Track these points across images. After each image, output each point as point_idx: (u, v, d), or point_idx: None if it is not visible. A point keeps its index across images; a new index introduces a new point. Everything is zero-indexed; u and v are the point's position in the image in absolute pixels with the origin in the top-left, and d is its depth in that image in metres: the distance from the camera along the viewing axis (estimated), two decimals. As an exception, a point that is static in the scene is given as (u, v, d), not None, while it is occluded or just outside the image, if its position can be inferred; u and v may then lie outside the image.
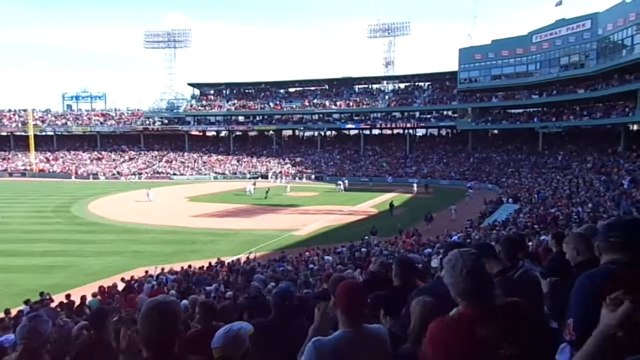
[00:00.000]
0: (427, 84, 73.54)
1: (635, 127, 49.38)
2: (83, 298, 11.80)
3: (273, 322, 3.34)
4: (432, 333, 2.08)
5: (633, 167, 35.16)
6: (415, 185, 49.64)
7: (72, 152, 76.18)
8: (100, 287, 14.11)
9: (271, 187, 49.83)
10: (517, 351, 1.95)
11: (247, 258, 20.28)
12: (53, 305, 11.84)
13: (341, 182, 51.97)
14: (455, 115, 66.91)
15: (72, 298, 12.20)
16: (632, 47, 42.46)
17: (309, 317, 2.99)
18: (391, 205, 36.07)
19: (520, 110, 61.48)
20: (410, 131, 72.06)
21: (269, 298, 5.19)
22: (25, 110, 76.90)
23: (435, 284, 3.38)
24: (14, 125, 77.47)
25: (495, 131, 66.73)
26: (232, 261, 19.77)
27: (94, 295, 12.17)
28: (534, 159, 53.23)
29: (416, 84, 74.82)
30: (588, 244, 3.45)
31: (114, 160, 73.95)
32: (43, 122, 78.11)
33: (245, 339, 2.58)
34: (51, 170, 69.35)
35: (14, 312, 10.89)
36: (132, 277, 16.23)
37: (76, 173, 67.43)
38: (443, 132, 74.10)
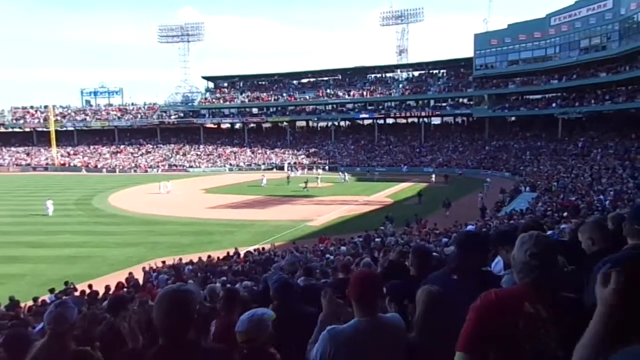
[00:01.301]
0: (441, 71, 72.63)
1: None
2: (107, 288, 12.08)
3: (276, 312, 3.37)
4: (479, 303, 2.06)
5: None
6: (434, 175, 48.64)
7: (92, 147, 77.53)
8: (119, 283, 14.52)
9: (292, 178, 49.95)
10: (562, 351, 1.88)
11: (270, 247, 20.39)
12: (76, 294, 12.14)
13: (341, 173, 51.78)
14: (471, 102, 65.99)
15: (94, 288, 12.53)
16: (656, 28, 41.19)
17: (321, 305, 3.01)
18: (420, 194, 36.12)
19: (539, 96, 60.30)
20: (425, 120, 71.41)
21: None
22: (46, 107, 78.55)
23: (443, 274, 3.35)
24: (36, 121, 79.22)
25: (513, 118, 65.49)
26: (252, 251, 19.92)
27: (118, 285, 12.40)
28: (553, 146, 52.20)
29: (430, 71, 73.96)
30: (604, 233, 3.37)
31: (131, 153, 74.96)
32: (63, 117, 79.53)
33: (268, 324, 2.66)
34: (72, 164, 70.70)
35: (41, 300, 11.26)
36: (150, 267, 16.51)
37: (87, 166, 69.24)
38: (459, 120, 73.29)
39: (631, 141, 41.97)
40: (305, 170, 59.77)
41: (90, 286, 12.78)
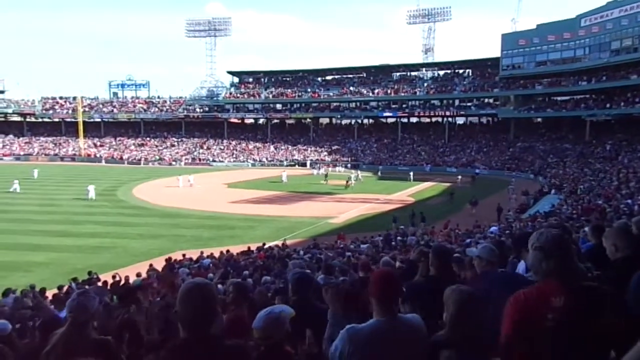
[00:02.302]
0: (467, 70, 71.63)
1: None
2: (126, 278, 12.35)
3: (294, 307, 3.39)
4: (511, 303, 2.12)
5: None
6: (460, 175, 46.88)
7: (118, 139, 78.99)
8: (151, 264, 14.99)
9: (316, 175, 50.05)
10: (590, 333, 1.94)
11: (283, 244, 20.52)
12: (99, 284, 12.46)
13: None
14: (497, 103, 64.96)
15: (117, 278, 12.86)
16: (691, 30, 39.88)
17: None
18: (451, 192, 36.71)
19: (567, 98, 58.99)
20: (450, 119, 70.55)
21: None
22: (75, 98, 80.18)
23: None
24: (65, 112, 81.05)
25: (539, 119, 64.19)
26: (268, 247, 20.08)
27: (138, 275, 12.68)
28: (580, 149, 51.04)
29: (456, 71, 73.04)
30: (629, 239, 3.30)
31: (156, 146, 76.15)
32: (91, 109, 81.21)
33: (285, 322, 2.67)
34: (98, 155, 72.25)
35: (65, 288, 11.57)
36: (174, 259, 16.79)
37: (101, 157, 71.01)
38: (483, 120, 72.15)
39: (662, 146, 40.78)
40: (329, 167, 59.41)
41: (114, 276, 13.15)
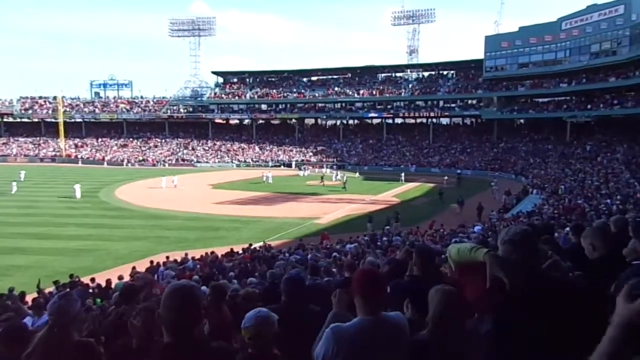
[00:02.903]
0: (451, 72, 72.33)
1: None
2: (108, 282, 12.17)
3: (284, 308, 3.35)
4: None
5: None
6: (446, 176, 46.54)
7: (100, 139, 77.89)
8: (134, 267, 14.83)
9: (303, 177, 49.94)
10: (544, 332, 1.99)
11: (264, 245, 20.39)
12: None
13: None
14: (480, 104, 65.71)
15: (97, 281, 12.66)
16: (667, 34, 40.88)
17: (326, 305, 3.01)
18: (440, 193, 36.93)
19: (548, 99, 59.97)
20: (434, 120, 71.13)
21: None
22: (55, 98, 78.76)
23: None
24: (44, 112, 79.58)
25: (522, 121, 65.22)
26: (254, 248, 19.97)
27: (120, 278, 12.50)
28: (561, 150, 51.93)
29: (440, 72, 73.69)
30: (605, 239, 3.37)
31: (139, 147, 75.30)
32: (72, 109, 79.91)
33: (274, 322, 2.64)
34: (79, 157, 71.14)
35: (46, 292, 11.35)
36: (157, 262, 16.59)
37: (78, 158, 69.89)
38: (467, 121, 72.92)
39: (639, 146, 41.68)
40: (316, 168, 59.35)
41: (92, 280, 12.96)
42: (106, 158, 70.16)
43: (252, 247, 19.32)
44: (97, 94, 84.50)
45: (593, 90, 52.27)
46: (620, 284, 2.06)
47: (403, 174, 49.42)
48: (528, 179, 43.54)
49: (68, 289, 11.89)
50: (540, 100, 61.07)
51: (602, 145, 47.49)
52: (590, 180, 33.27)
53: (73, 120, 78.80)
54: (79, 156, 71.22)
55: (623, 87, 48.44)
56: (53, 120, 77.03)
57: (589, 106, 52.20)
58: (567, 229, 12.30)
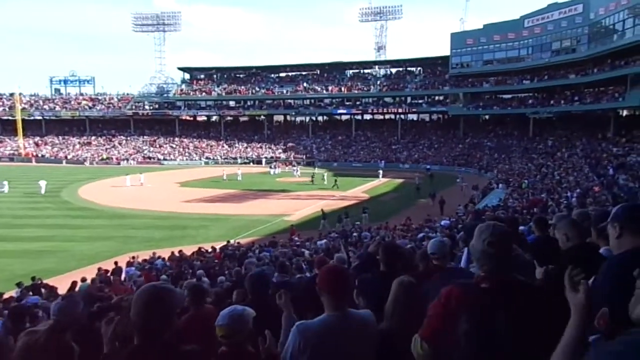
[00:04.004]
0: (418, 68, 73.27)
1: (625, 113, 49.70)
2: (74, 284, 11.79)
3: (249, 306, 3.35)
4: (443, 295, 2.17)
5: (622, 152, 35.49)
6: (417, 173, 44.90)
7: (61, 137, 75.36)
8: (99, 268, 14.44)
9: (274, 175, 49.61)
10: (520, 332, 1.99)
11: (227, 243, 20.16)
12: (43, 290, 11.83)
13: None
14: (447, 100, 66.87)
15: (64, 283, 12.27)
16: (623, 32, 42.53)
17: (293, 302, 3.00)
18: (418, 188, 37.46)
19: (512, 96, 61.59)
20: (402, 116, 71.96)
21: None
22: (12, 94, 75.50)
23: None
24: (1, 109, 76.34)
25: (487, 116, 66.79)
26: (223, 246, 19.76)
27: (83, 280, 12.14)
28: (525, 145, 53.50)
29: (408, 68, 74.53)
30: (579, 229, 3.51)
31: (103, 145, 73.27)
32: (31, 106, 76.96)
33: (249, 321, 2.63)
34: (40, 155, 68.68)
35: (6, 296, 10.92)
36: (127, 261, 16.22)
37: (35, 156, 67.69)
38: (434, 117, 74.11)
39: (597, 141, 43.37)
40: (287, 166, 58.37)
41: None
42: (68, 156, 67.94)
43: (222, 245, 19.08)
44: (57, 90, 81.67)
45: (554, 87, 53.94)
46: (604, 276, 2.12)
47: (381, 171, 49.06)
48: (493, 174, 44.63)
49: (30, 293, 11.51)
50: (505, 96, 62.65)
51: (562, 140, 49.14)
52: (552, 175, 34.37)
53: (32, 117, 75.99)
54: (40, 155, 68.73)
55: (582, 83, 50.16)
56: (10, 117, 73.96)
57: (550, 102, 53.90)
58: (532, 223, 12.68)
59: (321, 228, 23.79)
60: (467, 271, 4.12)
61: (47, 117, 77.77)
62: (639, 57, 40.01)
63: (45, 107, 77.83)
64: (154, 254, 17.20)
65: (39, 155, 68.78)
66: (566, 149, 44.61)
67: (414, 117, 75.08)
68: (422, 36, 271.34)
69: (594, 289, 1.83)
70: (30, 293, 11.39)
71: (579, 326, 1.64)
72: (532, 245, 4.70)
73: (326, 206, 29.55)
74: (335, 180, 41.50)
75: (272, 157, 64.71)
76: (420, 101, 69.46)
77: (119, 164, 64.85)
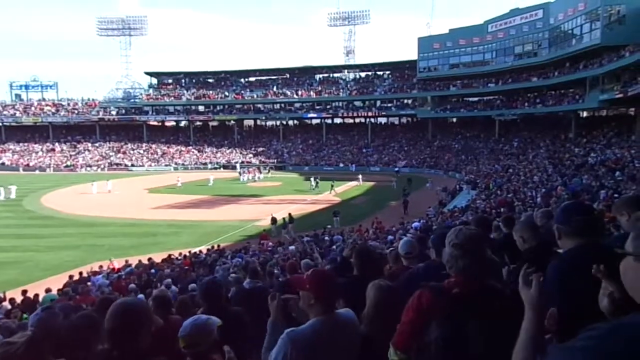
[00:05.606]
0: (387, 73, 74.19)
1: (585, 114, 51.58)
2: (35, 296, 11.42)
3: (203, 312, 3.31)
4: (415, 298, 2.17)
5: (583, 152, 36.77)
6: (394, 180, 43.77)
7: (22, 144, 72.80)
8: (71, 276, 14.24)
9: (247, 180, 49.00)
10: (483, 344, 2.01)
11: (200, 251, 19.96)
12: (5, 303, 11.40)
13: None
14: (416, 103, 67.86)
15: (28, 294, 11.86)
16: (581, 36, 44.23)
17: (265, 308, 2.97)
18: (404, 190, 35.87)
19: (478, 99, 63.02)
20: (372, 120, 72.62)
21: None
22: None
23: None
24: (-44, 116, 73.22)
25: (454, 119, 68.13)
26: (194, 253, 19.49)
27: (47, 290, 11.75)
28: (491, 146, 54.85)
29: (377, 73, 75.35)
30: (534, 231, 3.61)
31: (67, 151, 71.16)
32: (-11, 112, 74.09)
33: (213, 330, 2.59)
34: (0, 163, 66.14)
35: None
36: (95, 270, 15.78)
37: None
38: (403, 120, 75.07)
39: (560, 141, 44.85)
40: (256, 173, 54.15)
41: (24, 292, 12.14)
42: (30, 164, 65.65)
43: (192, 252, 18.82)
44: (18, 95, 78.89)
45: (517, 90, 55.58)
46: (548, 276, 2.17)
47: (360, 175, 47.89)
48: (462, 175, 45.51)
49: None
50: (471, 99, 64.06)
51: (527, 141, 50.59)
52: (518, 175, 35.29)
53: (-9, 124, 73.20)
54: (1, 162, 66.14)
55: (544, 86, 51.88)
56: (-32, 124, 71.04)
57: (514, 104, 55.47)
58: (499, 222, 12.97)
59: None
60: (434, 270, 4.17)
61: (7, 124, 75.05)
62: (597, 61, 41.68)
63: (5, 112, 75.06)
64: (126, 261, 16.84)
65: (0, 162, 66.23)
66: (531, 150, 45.92)
67: (384, 120, 75.88)
68: (390, 41, 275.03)
69: (545, 289, 1.89)
70: None
71: (534, 322, 1.67)
72: (499, 243, 4.82)
73: (296, 210, 29.48)
74: (332, 185, 40.96)
75: (242, 162, 63.88)
76: (389, 105, 70.30)
77: (86, 170, 63.02)
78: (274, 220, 25.97)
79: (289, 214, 26.17)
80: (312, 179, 44.06)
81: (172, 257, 17.78)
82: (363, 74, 76.68)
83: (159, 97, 76.78)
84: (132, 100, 77.87)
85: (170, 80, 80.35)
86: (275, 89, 75.04)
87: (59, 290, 12.17)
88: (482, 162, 48.95)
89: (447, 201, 32.72)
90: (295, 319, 2.80)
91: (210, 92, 76.24)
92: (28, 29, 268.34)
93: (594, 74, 41.64)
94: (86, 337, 2.88)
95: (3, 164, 65.89)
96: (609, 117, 48.30)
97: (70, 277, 14.60)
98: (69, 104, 77.28)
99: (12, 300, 11.44)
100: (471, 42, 59.72)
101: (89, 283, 13.44)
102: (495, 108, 57.79)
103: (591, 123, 47.51)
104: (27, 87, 78.52)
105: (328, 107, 72.47)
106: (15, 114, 75.15)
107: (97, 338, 2.85)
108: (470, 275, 2.16)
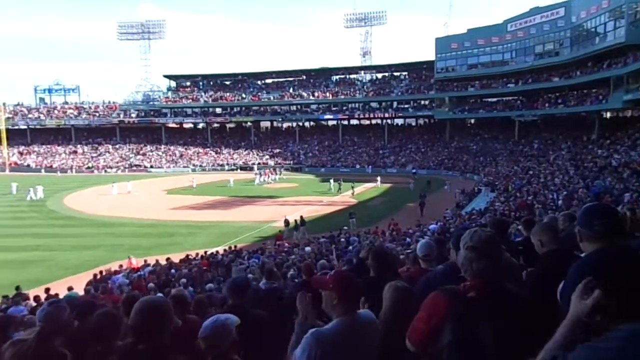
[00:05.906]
0: (404, 73, 73.76)
1: (608, 115, 50.46)
2: (56, 295, 11.61)
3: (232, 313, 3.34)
4: (430, 301, 2.19)
5: (606, 154, 35.93)
6: (411, 182, 43.53)
7: (46, 146, 74.48)
8: (95, 275, 14.60)
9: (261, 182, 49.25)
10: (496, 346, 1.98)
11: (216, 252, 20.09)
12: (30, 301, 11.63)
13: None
14: (433, 104, 67.33)
15: (50, 292, 12.10)
16: (604, 35, 43.17)
17: (281, 308, 2.97)
18: (422, 194, 34.93)
19: (497, 99, 62.21)
20: (388, 121, 72.27)
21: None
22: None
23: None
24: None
25: (472, 120, 67.37)
26: (211, 253, 19.65)
27: (70, 289, 11.96)
28: (511, 148, 54.03)
29: (393, 74, 74.99)
30: (553, 235, 3.52)
31: (89, 153, 72.51)
32: (15, 115, 75.98)
33: (232, 329, 2.60)
34: (25, 165, 67.70)
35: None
36: (115, 270, 16.02)
37: (11, 164, 66.64)
38: (421, 121, 74.55)
39: (582, 143, 43.88)
40: (272, 175, 54.28)
41: (47, 290, 12.42)
42: (54, 165, 67.05)
43: (209, 252, 18.98)
44: (42, 99, 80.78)
45: (538, 90, 54.58)
46: (569, 279, 2.12)
47: (379, 177, 47.41)
48: (480, 177, 44.93)
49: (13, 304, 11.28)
50: (490, 100, 63.25)
51: (548, 143, 49.65)
52: (538, 177, 34.70)
53: (17, 127, 74.93)
54: (26, 164, 67.69)
55: (566, 86, 50.79)
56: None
57: (535, 105, 54.56)
58: (519, 225, 12.79)
59: (286, 236, 23.92)
60: (452, 272, 4.13)
61: (32, 126, 76.80)
62: (621, 60, 40.73)
63: (30, 116, 76.95)
64: (145, 261, 17.07)
65: (25, 164, 67.69)
66: (552, 152, 45.08)
67: (400, 121, 75.50)
68: (407, 41, 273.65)
69: (563, 294, 1.84)
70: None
71: (570, 327, 1.61)
72: (518, 246, 4.74)
73: (312, 212, 29.49)
74: (352, 187, 41.11)
75: (259, 164, 64.10)
76: (406, 106, 69.89)
77: (105, 172, 64.10)
78: (286, 222, 26.02)
79: (301, 217, 26.15)
80: (331, 180, 43.91)
81: (190, 257, 17.95)
82: (380, 75, 76.41)
83: (177, 99, 77.72)
84: (151, 102, 78.96)
85: (188, 83, 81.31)
86: (291, 90, 75.29)
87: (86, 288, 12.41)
88: (501, 164, 48.25)
89: (464, 203, 32.38)
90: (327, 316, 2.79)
91: (228, 94, 76.85)
92: (51, 35, 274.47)
93: (618, 73, 40.68)
94: (107, 334, 2.95)
95: (28, 165, 67.44)
96: (633, 117, 47.11)
97: (94, 275, 14.87)
98: (90, 107, 78.79)
99: (36, 298, 11.67)
100: (490, 41, 58.96)
101: (109, 282, 13.64)
102: (515, 109, 56.91)
103: (615, 124, 46.37)
104: (50, 90, 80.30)
105: (344, 108, 72.38)
106: (39, 117, 76.98)
107: (117, 334, 2.93)
108: (486, 278, 2.13)
